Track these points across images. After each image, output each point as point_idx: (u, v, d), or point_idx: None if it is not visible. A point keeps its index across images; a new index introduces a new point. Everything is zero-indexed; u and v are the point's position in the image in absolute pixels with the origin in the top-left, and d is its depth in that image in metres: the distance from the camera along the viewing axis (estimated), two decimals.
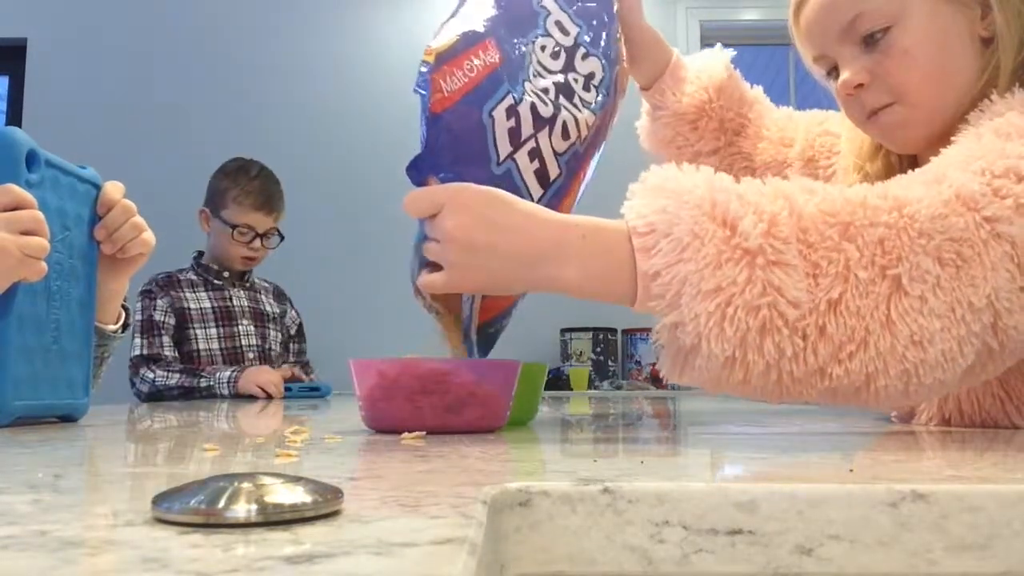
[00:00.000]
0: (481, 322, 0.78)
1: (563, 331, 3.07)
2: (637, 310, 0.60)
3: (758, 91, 1.08)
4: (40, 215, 0.75)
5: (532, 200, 0.75)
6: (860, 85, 0.79)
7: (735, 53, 1.08)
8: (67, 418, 0.86)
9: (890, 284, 0.56)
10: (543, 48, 0.81)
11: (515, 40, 0.80)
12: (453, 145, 0.73)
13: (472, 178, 0.71)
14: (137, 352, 2.03)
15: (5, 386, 0.75)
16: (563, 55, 0.82)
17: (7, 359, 0.75)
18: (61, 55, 3.34)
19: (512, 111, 0.75)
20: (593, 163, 0.87)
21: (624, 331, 3.12)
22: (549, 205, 0.76)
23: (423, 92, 0.73)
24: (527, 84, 0.78)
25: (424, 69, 0.74)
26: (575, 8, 0.86)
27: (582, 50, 0.84)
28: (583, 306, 3.06)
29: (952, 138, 0.69)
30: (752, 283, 0.54)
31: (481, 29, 0.78)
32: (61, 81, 3.31)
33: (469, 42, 0.76)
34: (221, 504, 0.28)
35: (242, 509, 0.28)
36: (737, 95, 1.05)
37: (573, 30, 0.84)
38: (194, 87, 3.34)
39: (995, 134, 0.65)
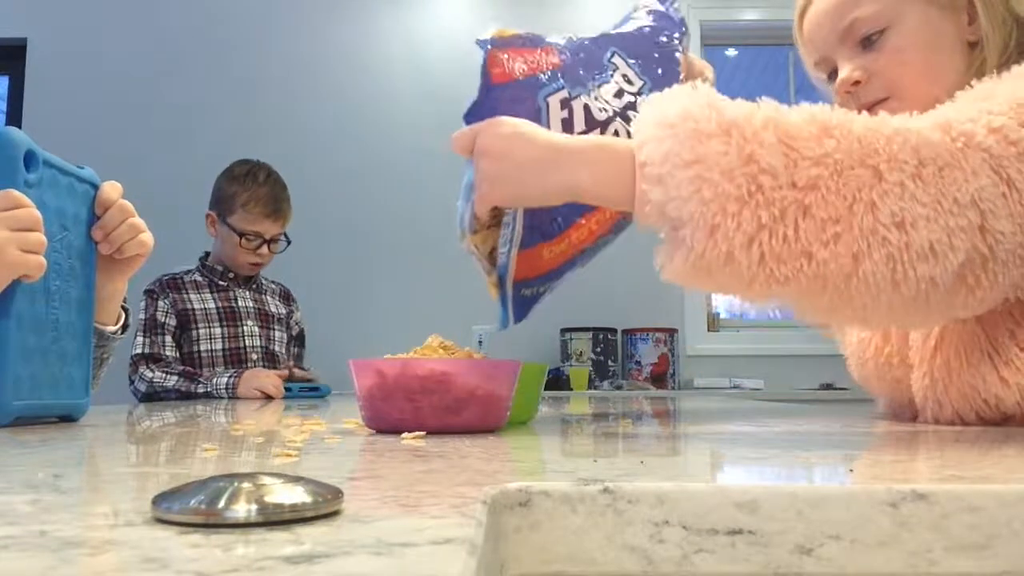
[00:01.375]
0: (517, 280, 0.80)
1: (563, 331, 3.07)
2: (637, 214, 0.65)
3: None
4: (36, 212, 0.75)
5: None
6: (857, 82, 0.86)
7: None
8: (67, 418, 0.86)
9: (871, 172, 0.60)
10: (608, 91, 0.87)
11: (581, 72, 0.85)
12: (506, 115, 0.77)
13: None
14: (138, 351, 2.02)
15: (5, 386, 0.75)
16: (625, 96, 0.87)
17: (7, 359, 0.75)
18: (61, 55, 3.34)
19: (566, 104, 0.81)
20: None
21: (624, 331, 3.12)
22: (586, 205, 0.81)
23: (485, 47, 0.79)
24: (584, 96, 0.83)
25: (486, 36, 0.80)
26: (642, 67, 0.91)
27: (643, 98, 0.88)
28: (583, 306, 3.06)
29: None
30: (728, 154, 0.59)
31: (548, 41, 0.84)
32: (61, 81, 3.31)
33: (534, 42, 0.82)
34: (221, 504, 0.28)
35: (242, 509, 0.28)
36: None
37: (638, 83, 0.90)
38: (194, 87, 3.34)
39: (971, 98, 0.71)
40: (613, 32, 0.93)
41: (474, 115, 0.78)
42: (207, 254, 2.22)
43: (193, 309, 2.09)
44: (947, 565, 0.34)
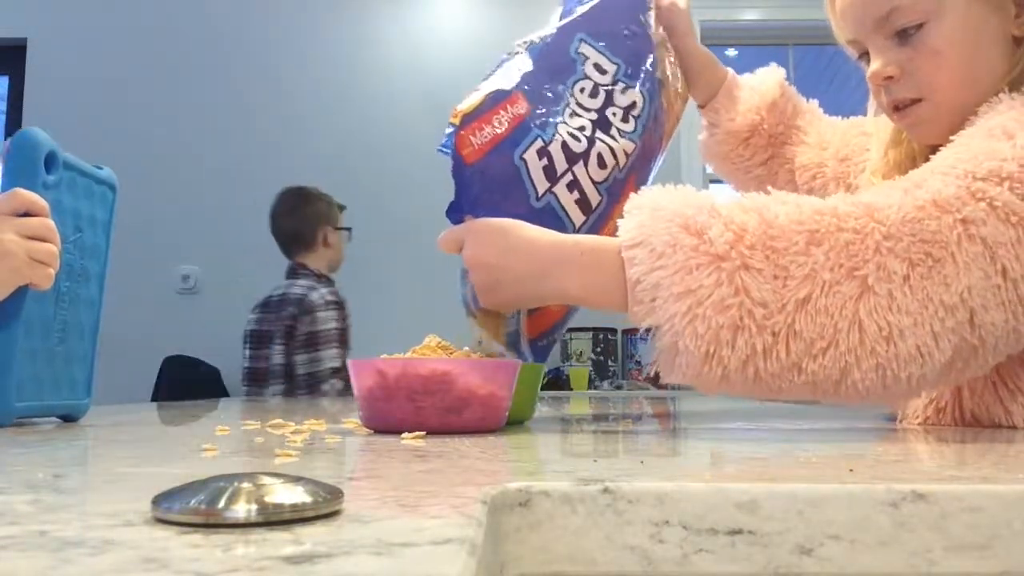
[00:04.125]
0: (531, 337, 0.83)
1: None
2: (630, 318, 0.65)
3: (813, 104, 1.13)
4: (51, 224, 0.75)
5: (574, 226, 0.82)
6: (889, 78, 0.81)
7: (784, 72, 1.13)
8: (68, 418, 0.86)
9: (858, 284, 0.60)
10: (582, 90, 0.86)
11: (549, 86, 0.84)
12: (488, 189, 0.78)
13: (511, 214, 0.76)
14: (336, 364, 2.19)
15: (8, 388, 0.75)
16: (601, 93, 0.86)
17: (12, 362, 0.75)
18: (61, 55, 3.33)
19: (543, 152, 0.80)
20: (645, 180, 0.91)
21: (624, 331, 3.12)
22: (592, 229, 0.83)
23: (447, 151, 0.78)
24: (560, 126, 0.82)
25: (449, 130, 0.78)
26: (612, 46, 0.89)
27: (621, 85, 0.88)
28: None
29: (952, 138, 0.71)
30: (719, 285, 0.59)
31: (509, 87, 0.81)
32: (61, 81, 3.31)
33: (496, 100, 0.80)
34: (221, 504, 0.28)
35: (242, 509, 0.27)
36: (789, 109, 1.10)
37: (611, 68, 0.88)
38: (193, 88, 3.34)
39: (987, 135, 0.67)
40: (577, 16, 0.90)
41: (456, 208, 0.79)
42: (304, 267, 2.42)
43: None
44: (947, 565, 0.34)
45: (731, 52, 3.74)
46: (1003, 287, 0.61)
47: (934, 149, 0.84)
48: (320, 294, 2.33)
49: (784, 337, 0.59)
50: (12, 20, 3.38)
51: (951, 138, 0.71)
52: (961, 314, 0.60)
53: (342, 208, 2.59)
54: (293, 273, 2.46)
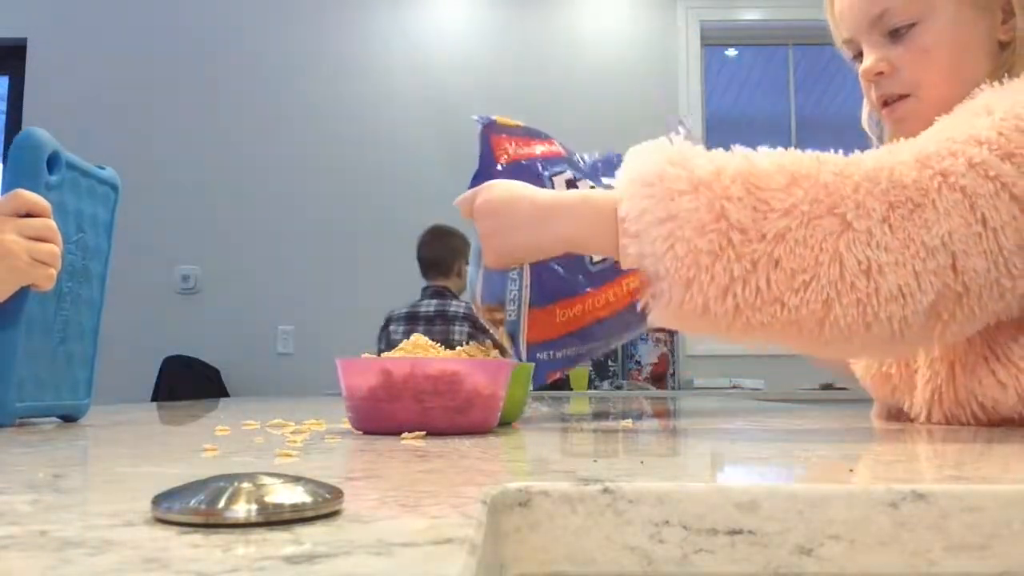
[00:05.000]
0: (531, 342, 0.84)
1: None
2: (620, 260, 0.68)
3: None
4: (53, 224, 0.75)
5: (591, 259, 0.86)
6: (880, 73, 0.85)
7: None
8: (68, 418, 0.86)
9: (838, 221, 0.62)
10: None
11: (587, 169, 0.90)
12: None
13: None
14: None
15: (9, 389, 0.75)
16: None
17: (13, 363, 0.75)
18: (61, 55, 3.34)
19: (571, 183, 0.85)
20: None
21: None
22: (608, 273, 0.86)
23: (484, 121, 0.83)
24: (590, 180, 0.87)
25: (487, 116, 0.84)
26: None
27: None
28: None
29: (936, 118, 0.74)
30: (698, 210, 0.62)
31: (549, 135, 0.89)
32: (61, 81, 3.31)
33: (533, 132, 0.85)
34: (221, 504, 0.28)
35: (242, 509, 0.27)
36: None
37: None
38: (193, 88, 3.34)
39: (970, 114, 0.70)
40: (603, 164, 0.96)
41: (481, 178, 0.82)
42: (450, 290, 2.69)
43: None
44: (947, 565, 0.34)
45: (731, 52, 3.74)
46: (984, 235, 0.62)
47: None
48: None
49: (765, 267, 0.61)
50: (12, 20, 3.38)
51: (936, 118, 0.74)
52: (943, 257, 0.61)
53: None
54: (439, 294, 2.74)
